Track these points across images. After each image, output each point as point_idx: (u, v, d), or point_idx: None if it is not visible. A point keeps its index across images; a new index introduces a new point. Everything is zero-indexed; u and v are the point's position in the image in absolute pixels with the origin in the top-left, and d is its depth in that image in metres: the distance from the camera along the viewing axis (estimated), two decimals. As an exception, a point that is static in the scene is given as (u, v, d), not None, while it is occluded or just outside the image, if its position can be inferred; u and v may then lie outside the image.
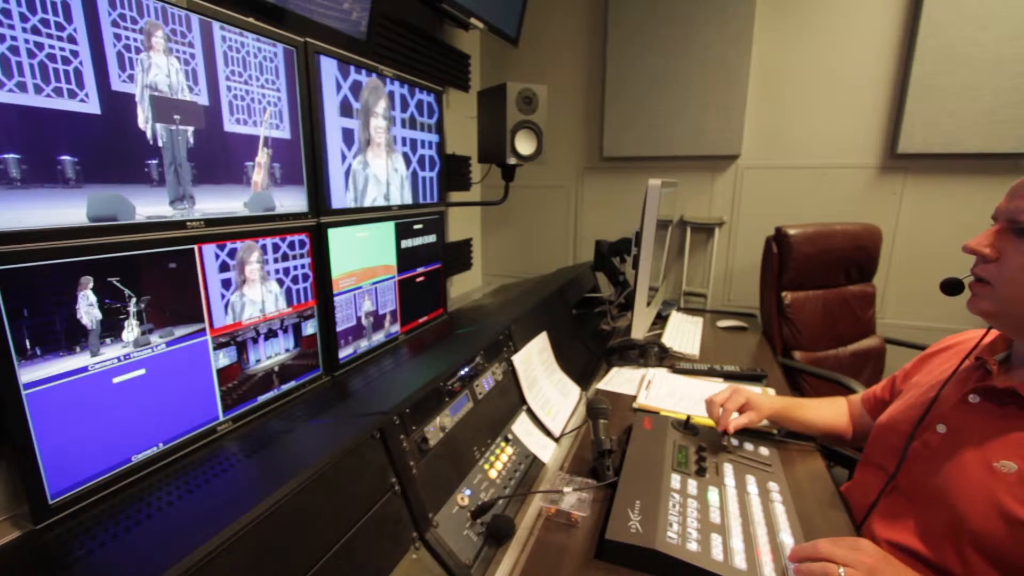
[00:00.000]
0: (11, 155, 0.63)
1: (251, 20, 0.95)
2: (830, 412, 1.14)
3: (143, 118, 0.78)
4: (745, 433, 1.08)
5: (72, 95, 0.69)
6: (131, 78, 0.76)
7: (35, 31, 0.65)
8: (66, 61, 0.68)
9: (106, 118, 0.73)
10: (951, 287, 0.85)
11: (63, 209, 0.69)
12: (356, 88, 1.25)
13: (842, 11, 2.21)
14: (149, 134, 0.79)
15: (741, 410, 1.06)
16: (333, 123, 1.19)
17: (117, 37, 0.73)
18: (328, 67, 1.15)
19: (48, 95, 0.67)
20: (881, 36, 2.17)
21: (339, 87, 1.20)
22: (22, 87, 0.64)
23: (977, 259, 0.77)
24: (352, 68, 1.23)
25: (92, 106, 0.71)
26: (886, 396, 1.07)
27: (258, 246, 0.99)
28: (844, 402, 1.18)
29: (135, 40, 0.76)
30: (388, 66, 1.36)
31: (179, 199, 0.84)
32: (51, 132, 0.67)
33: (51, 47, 0.66)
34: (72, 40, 0.68)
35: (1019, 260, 0.71)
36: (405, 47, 1.82)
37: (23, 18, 0.63)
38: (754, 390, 1.10)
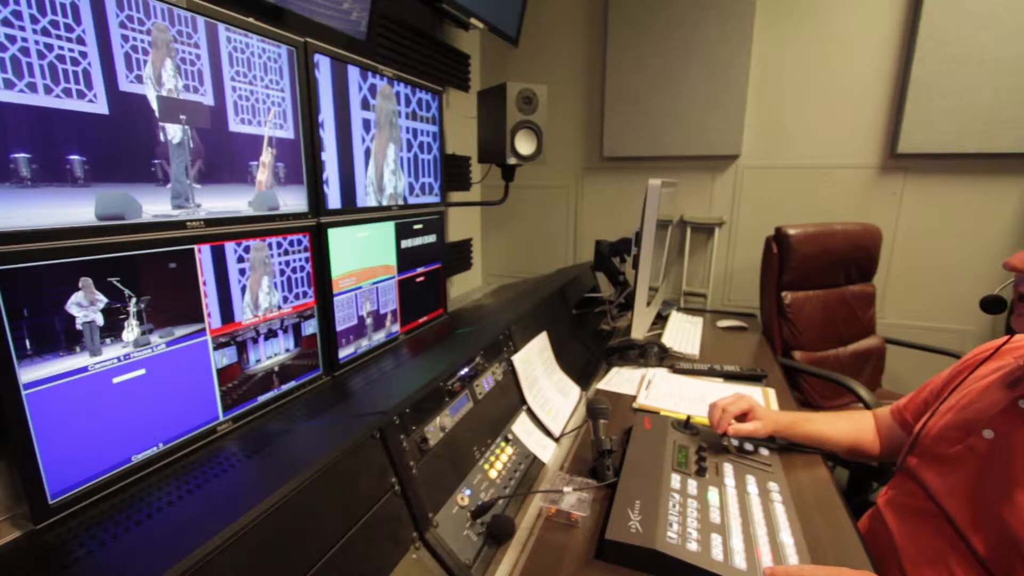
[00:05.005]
0: (22, 154, 0.64)
1: (251, 20, 0.95)
2: (849, 426, 1.08)
3: (150, 118, 0.78)
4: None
5: (81, 95, 0.70)
6: (138, 79, 0.76)
7: (45, 32, 0.65)
8: (75, 62, 0.68)
9: (114, 118, 0.74)
10: (992, 305, 0.80)
11: (72, 208, 0.69)
12: (371, 89, 1.30)
13: (842, 11, 2.20)
14: (156, 134, 0.79)
15: (745, 416, 1.05)
16: (357, 122, 1.24)
17: (125, 38, 0.74)
18: (352, 72, 1.22)
19: (57, 95, 0.67)
20: (881, 36, 2.17)
21: (360, 88, 1.24)
22: (32, 87, 0.64)
23: (1019, 277, 0.74)
24: (369, 72, 1.27)
25: (100, 106, 0.72)
26: (915, 411, 1.01)
27: (266, 244, 0.99)
28: (870, 416, 1.11)
29: (142, 41, 0.76)
30: (388, 66, 1.36)
31: (185, 198, 0.85)
32: (60, 132, 0.68)
33: (60, 48, 0.67)
34: (81, 41, 0.69)
35: None
36: (405, 47, 1.82)
37: (33, 19, 0.64)
38: (754, 391, 1.09)
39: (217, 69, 0.89)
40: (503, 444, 1.05)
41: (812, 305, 2.00)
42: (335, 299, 1.20)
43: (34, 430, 0.66)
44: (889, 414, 1.07)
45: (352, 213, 1.26)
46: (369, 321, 1.34)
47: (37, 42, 0.64)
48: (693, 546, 0.76)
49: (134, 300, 0.77)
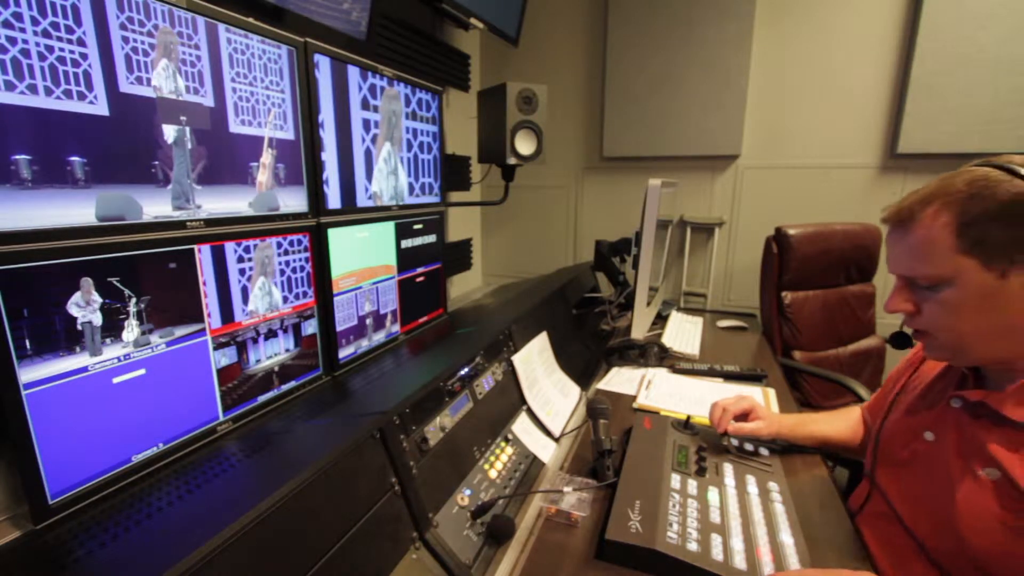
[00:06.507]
0: (22, 156, 0.64)
1: (251, 20, 0.95)
2: (845, 424, 1.08)
3: (150, 119, 0.78)
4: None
5: (81, 97, 0.70)
6: (139, 80, 0.76)
7: (46, 34, 0.65)
8: (75, 64, 0.68)
9: (114, 120, 0.74)
10: (900, 341, 0.84)
11: (73, 209, 0.69)
12: (371, 89, 1.30)
13: (842, 11, 2.20)
14: (156, 135, 0.79)
15: (747, 416, 1.05)
16: (356, 122, 1.24)
17: (125, 40, 0.74)
18: (352, 72, 1.22)
19: (58, 97, 0.67)
20: (881, 36, 2.17)
21: (360, 88, 1.25)
22: (33, 89, 0.64)
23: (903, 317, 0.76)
24: (369, 72, 1.27)
25: (101, 108, 0.72)
26: (875, 410, 1.03)
27: (267, 244, 0.99)
28: (857, 411, 1.12)
29: (143, 43, 0.76)
30: (388, 66, 1.36)
31: (186, 199, 0.85)
32: (61, 133, 0.68)
33: (61, 50, 0.67)
34: (81, 43, 0.69)
35: (935, 308, 0.70)
36: (405, 47, 1.82)
37: (34, 21, 0.64)
38: (754, 391, 1.09)
39: (217, 70, 0.89)
40: (503, 444, 1.05)
41: (812, 305, 2.00)
42: (335, 299, 1.20)
43: (34, 430, 0.66)
44: (867, 409, 1.09)
45: (352, 213, 1.26)
46: (369, 321, 1.34)
47: (38, 44, 0.64)
48: (693, 546, 0.76)
49: (134, 300, 0.77)
